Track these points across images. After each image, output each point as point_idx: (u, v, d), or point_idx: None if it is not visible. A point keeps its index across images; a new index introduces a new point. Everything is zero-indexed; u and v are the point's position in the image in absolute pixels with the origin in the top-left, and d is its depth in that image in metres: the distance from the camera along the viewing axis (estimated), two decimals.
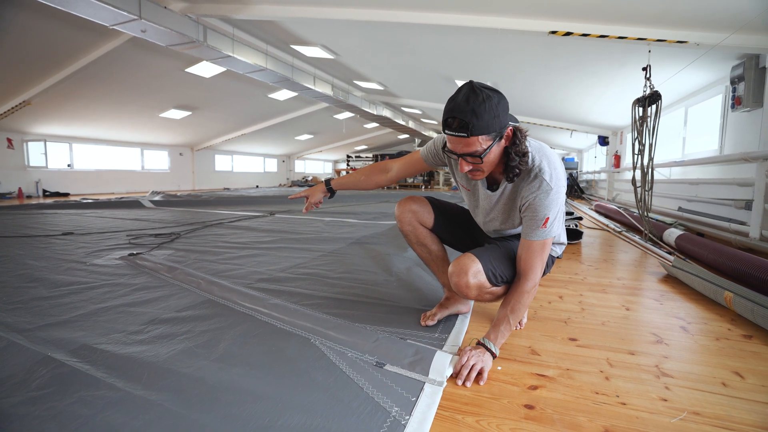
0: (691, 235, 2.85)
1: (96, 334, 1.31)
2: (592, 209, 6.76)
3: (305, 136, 15.59)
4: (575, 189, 11.65)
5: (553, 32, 3.53)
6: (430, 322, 1.46)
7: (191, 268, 2.19)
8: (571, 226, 3.98)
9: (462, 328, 1.43)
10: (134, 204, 6.30)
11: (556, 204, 1.13)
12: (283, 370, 1.09)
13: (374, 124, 14.19)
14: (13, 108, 7.37)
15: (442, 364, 1.09)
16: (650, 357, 1.18)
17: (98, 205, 6.13)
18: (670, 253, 2.75)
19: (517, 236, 1.32)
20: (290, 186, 16.59)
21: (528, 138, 1.14)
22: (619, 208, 5.87)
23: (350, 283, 1.99)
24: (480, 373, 1.06)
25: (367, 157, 19.85)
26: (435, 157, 1.39)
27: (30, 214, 5.03)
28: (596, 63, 4.71)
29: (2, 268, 2.18)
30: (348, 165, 19.80)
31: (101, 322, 1.41)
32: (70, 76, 6.62)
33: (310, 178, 19.56)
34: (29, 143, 9.19)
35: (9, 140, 8.69)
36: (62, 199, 8.26)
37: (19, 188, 8.75)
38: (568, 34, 3.48)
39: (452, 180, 15.71)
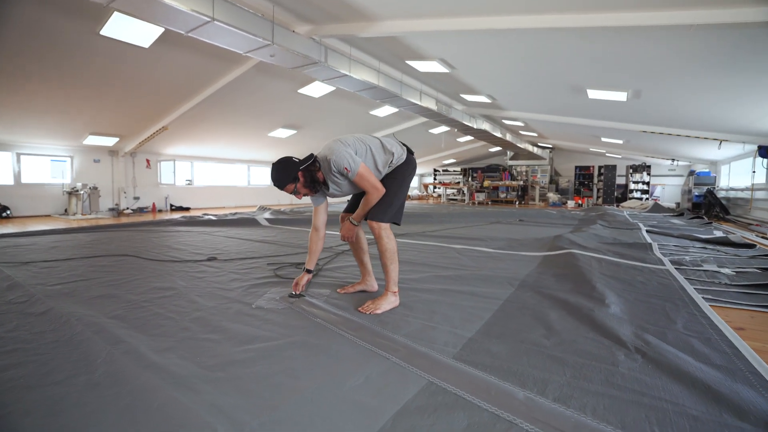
0: None
1: None
2: (765, 237, 5.40)
3: None
4: (715, 209, 9.77)
5: None
6: (340, 291, 2.39)
7: (365, 321, 1.88)
8: None
9: None
10: (251, 222, 6.52)
11: (341, 161, 1.96)
12: None
13: (468, 138, 13.60)
14: (154, 133, 8.27)
15: None
16: None
17: (221, 222, 6.44)
18: None
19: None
20: None
21: (320, 154, 2.09)
22: None
23: (582, 359, 1.49)
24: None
25: (455, 171, 19.25)
26: (315, 198, 2.25)
27: (168, 233, 5.38)
28: None
29: (179, 308, 2.08)
30: (435, 179, 19.37)
31: (334, 419, 1.09)
32: (200, 102, 7.20)
33: None
34: (161, 163, 10.31)
35: (147, 161, 9.84)
36: (187, 213, 9.04)
37: (153, 203, 9.81)
38: None
39: (549, 197, 14.60)
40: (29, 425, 1.03)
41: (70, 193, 8.36)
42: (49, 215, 8.45)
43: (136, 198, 9.73)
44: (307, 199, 2.31)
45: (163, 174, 10.44)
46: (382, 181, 2.15)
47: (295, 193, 2.07)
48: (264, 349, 1.56)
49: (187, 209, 10.48)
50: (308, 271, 2.28)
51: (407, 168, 2.22)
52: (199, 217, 7.26)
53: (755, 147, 7.71)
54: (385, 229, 2.08)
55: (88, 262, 3.26)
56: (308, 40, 5.09)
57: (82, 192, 8.27)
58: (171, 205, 10.36)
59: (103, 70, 5.83)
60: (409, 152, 2.27)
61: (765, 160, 7.80)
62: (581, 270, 2.92)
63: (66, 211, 8.53)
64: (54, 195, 8.62)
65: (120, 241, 4.49)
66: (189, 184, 11.17)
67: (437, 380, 1.31)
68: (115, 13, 4.28)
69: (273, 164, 2.05)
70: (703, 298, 2.38)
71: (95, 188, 8.55)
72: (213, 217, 7.04)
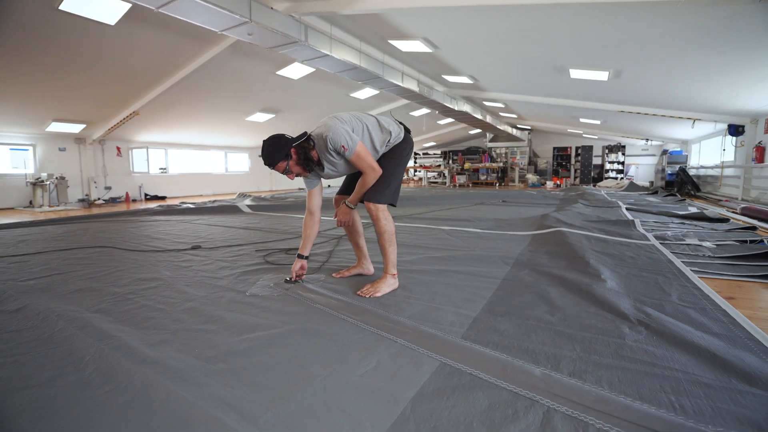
0: None
1: None
2: (736, 212, 5.64)
3: None
4: (687, 187, 10.14)
5: None
6: (335, 275, 2.30)
7: (366, 304, 1.83)
8: (765, 242, 3.15)
9: None
10: (233, 209, 6.33)
11: (338, 138, 1.86)
12: None
13: (448, 120, 13.56)
14: (124, 119, 7.83)
15: None
16: None
17: (201, 210, 6.22)
18: None
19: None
20: None
21: (315, 132, 1.98)
22: None
23: (589, 334, 1.50)
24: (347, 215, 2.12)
25: (435, 154, 19.23)
26: (309, 179, 2.13)
27: (146, 223, 5.15)
28: None
29: (168, 299, 1.97)
30: (415, 162, 19.32)
31: (350, 407, 1.04)
32: (173, 85, 6.83)
33: None
34: (133, 150, 9.83)
35: (118, 148, 9.34)
36: (163, 202, 8.69)
37: (127, 193, 9.38)
38: None
39: (529, 178, 14.86)
40: (21, 429, 0.93)
41: (34, 184, 7.88)
42: (12, 208, 7.96)
43: (108, 188, 9.27)
44: (288, 184, 2.18)
45: (136, 162, 9.96)
46: (379, 161, 2.08)
47: (287, 172, 1.96)
48: (265, 337, 1.49)
49: (163, 198, 10.09)
50: (301, 257, 2.18)
51: (405, 147, 2.15)
52: (176, 205, 6.98)
53: (725, 126, 8.00)
54: (383, 210, 2.03)
55: (61, 255, 3.07)
56: (287, 18, 4.87)
57: (48, 182, 7.81)
58: (146, 195, 9.95)
59: (65, 49, 5.41)
60: (406, 131, 2.18)
61: (734, 138, 8.11)
62: (572, 247, 2.95)
63: (31, 203, 8.05)
64: (16, 186, 8.10)
65: (94, 233, 4.26)
66: (164, 172, 10.73)
67: (450, 361, 1.28)
68: None
69: (264, 141, 1.94)
70: (691, 270, 2.44)
71: (62, 178, 8.09)
72: (191, 206, 6.79)
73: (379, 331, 1.52)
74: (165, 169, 10.77)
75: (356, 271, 2.34)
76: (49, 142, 8.45)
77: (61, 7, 4.30)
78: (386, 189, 2.03)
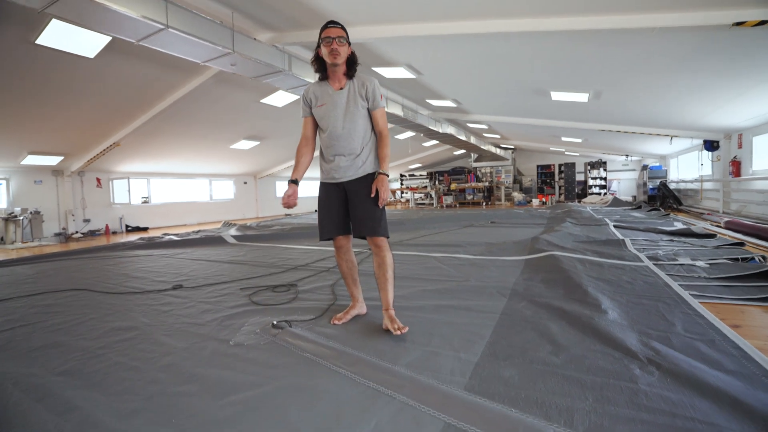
0: None
1: None
2: (720, 226, 5.72)
3: None
4: (669, 200, 10.37)
5: (739, 23, 2.82)
6: (337, 322, 2.10)
7: (361, 353, 1.70)
8: (755, 260, 3.16)
9: None
10: (217, 240, 6.15)
11: (378, 89, 2.03)
12: None
13: (433, 142, 13.71)
14: (105, 150, 7.64)
15: None
16: None
17: (184, 243, 6.02)
18: None
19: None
20: None
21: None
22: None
23: (599, 378, 1.41)
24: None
25: (421, 175, 19.36)
26: (306, 106, 2.10)
27: (126, 259, 4.93)
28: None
29: (144, 354, 1.80)
30: (402, 185, 19.38)
31: None
32: (156, 115, 6.73)
33: None
34: (114, 181, 9.58)
35: (98, 180, 9.09)
36: (145, 234, 8.43)
37: (107, 225, 9.07)
38: (763, 23, 2.75)
39: (515, 197, 15.04)
40: None
41: (6, 220, 7.56)
42: None
43: (87, 220, 8.96)
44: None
45: (117, 193, 9.70)
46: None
47: (334, 40, 1.90)
48: (250, 399, 1.35)
49: (145, 229, 9.79)
50: (293, 182, 2.05)
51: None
52: (159, 237, 6.76)
53: (701, 141, 8.24)
54: (386, 242, 2.07)
55: (29, 302, 2.86)
56: (271, 48, 4.87)
57: (21, 217, 7.50)
58: (127, 226, 9.65)
59: (42, 82, 5.28)
60: None
61: (711, 152, 8.35)
62: (568, 274, 2.89)
63: (2, 239, 7.69)
64: None
65: (69, 272, 4.03)
66: (146, 202, 10.46)
67: (455, 421, 1.16)
68: (53, 20, 3.87)
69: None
70: (690, 294, 2.39)
71: (37, 213, 7.78)
72: (175, 238, 6.57)
73: (375, 385, 1.40)
74: (147, 198, 10.52)
75: (355, 312, 2.20)
76: (24, 175, 8.18)
77: (38, 42, 4.21)
78: (384, 221, 2.06)
